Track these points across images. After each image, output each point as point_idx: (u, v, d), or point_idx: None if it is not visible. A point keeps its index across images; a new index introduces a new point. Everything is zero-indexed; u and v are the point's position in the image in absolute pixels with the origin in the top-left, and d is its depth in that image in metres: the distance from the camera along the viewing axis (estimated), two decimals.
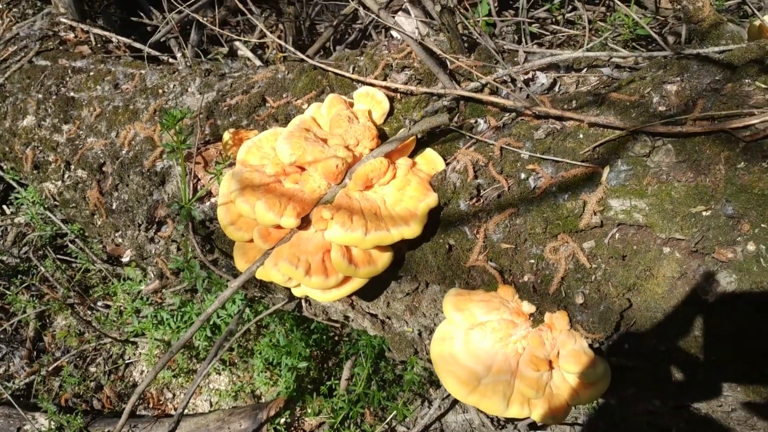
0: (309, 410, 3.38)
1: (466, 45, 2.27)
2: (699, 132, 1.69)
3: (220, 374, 3.64)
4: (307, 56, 2.40)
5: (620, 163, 1.79)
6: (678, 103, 1.83)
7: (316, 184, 2.06)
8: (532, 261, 1.87)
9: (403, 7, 4.15)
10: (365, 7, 4.56)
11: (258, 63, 4.30)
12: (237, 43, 4.63)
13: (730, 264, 1.59)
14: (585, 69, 2.20)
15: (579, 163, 1.83)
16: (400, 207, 2.00)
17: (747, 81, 1.71)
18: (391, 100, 2.26)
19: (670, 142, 1.75)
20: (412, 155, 2.13)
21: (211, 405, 3.56)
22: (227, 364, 3.64)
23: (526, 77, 2.14)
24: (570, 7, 4.40)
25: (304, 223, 2.04)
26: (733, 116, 1.66)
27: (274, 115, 2.45)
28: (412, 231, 1.94)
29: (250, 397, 3.54)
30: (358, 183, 2.02)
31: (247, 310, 3.23)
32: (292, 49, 2.51)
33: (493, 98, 2.01)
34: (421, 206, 1.97)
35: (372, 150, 2.08)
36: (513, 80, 2.13)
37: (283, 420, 3.33)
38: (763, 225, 1.56)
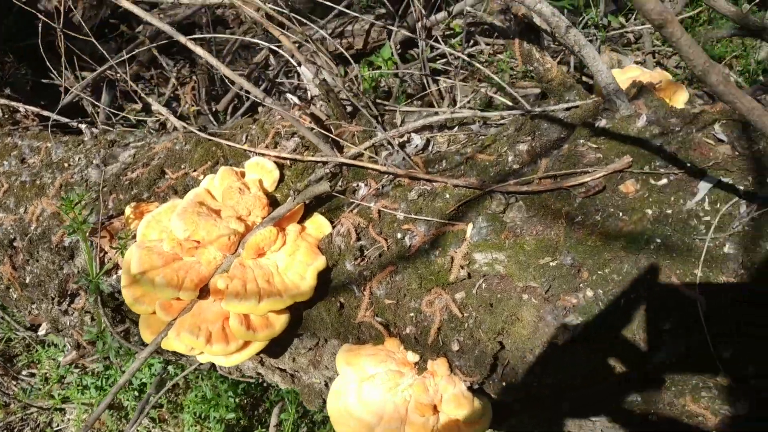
0: None
1: (349, 110, 2.44)
2: (543, 190, 1.89)
3: None
4: (203, 127, 2.53)
5: (481, 219, 1.97)
6: (529, 161, 2.04)
7: (211, 256, 2.18)
8: (412, 314, 2.03)
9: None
10: (274, 53, 4.73)
11: (173, 119, 4.40)
12: (150, 99, 4.71)
13: (575, 308, 1.78)
14: (456, 127, 2.40)
15: (446, 222, 2.01)
16: (292, 272, 2.13)
17: (581, 141, 1.93)
18: (282, 167, 2.40)
19: (522, 199, 1.95)
20: (302, 220, 2.28)
21: None
22: (157, 421, 3.68)
23: (401, 140, 2.32)
24: (472, 41, 4.66)
25: (204, 292, 2.15)
26: (570, 175, 1.87)
27: (174, 187, 2.56)
28: (303, 294, 2.08)
29: None
30: (250, 252, 2.15)
31: (170, 368, 3.29)
32: (180, 124, 2.63)
33: (369, 165, 2.18)
34: (310, 270, 2.11)
35: (264, 218, 2.22)
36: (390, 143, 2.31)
37: None
38: (599, 272, 1.77)
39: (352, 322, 2.14)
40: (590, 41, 4.43)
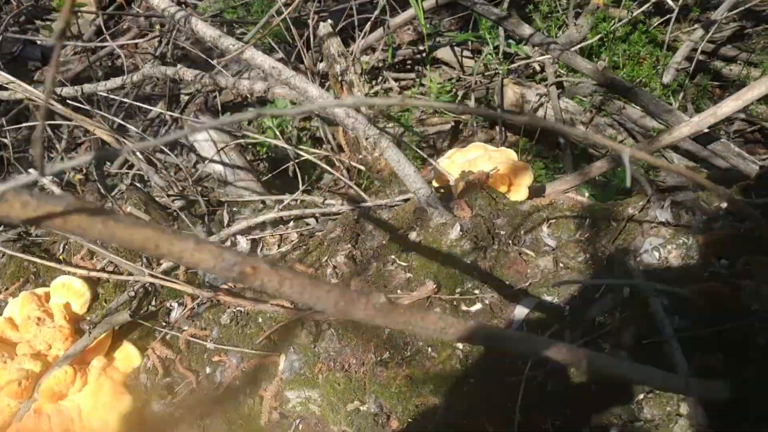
0: None
1: (170, 211, 2.17)
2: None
3: None
4: (21, 234, 2.24)
5: (293, 351, 1.71)
6: (348, 273, 1.78)
7: (5, 403, 1.89)
8: None
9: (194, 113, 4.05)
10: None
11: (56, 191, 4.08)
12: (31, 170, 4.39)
13: None
14: (291, 222, 2.14)
15: (257, 353, 1.75)
16: (95, 417, 1.86)
17: (392, 257, 1.68)
18: (97, 281, 2.12)
19: (334, 326, 1.69)
20: (112, 349, 2.00)
21: None
22: None
23: (225, 245, 2.05)
24: (381, 78, 4.40)
25: None
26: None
27: None
28: None
29: None
30: (46, 398, 1.86)
31: None
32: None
33: (178, 285, 1.91)
34: (113, 416, 1.83)
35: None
36: None
37: None
38: (409, 420, 1.51)
39: None
40: (495, 73, 4.22)
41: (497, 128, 4.17)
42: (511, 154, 1.99)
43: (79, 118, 2.14)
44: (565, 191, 2.09)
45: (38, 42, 4.53)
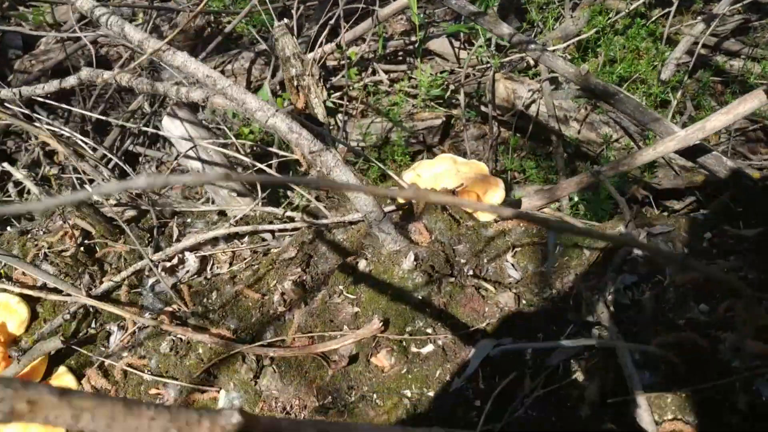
0: None
1: (132, 213, 2.02)
2: (291, 356, 1.48)
3: None
4: None
5: (233, 386, 1.56)
6: (297, 300, 1.62)
7: None
8: None
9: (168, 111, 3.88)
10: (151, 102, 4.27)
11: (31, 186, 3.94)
12: (6, 164, 4.24)
13: None
14: (247, 237, 1.98)
15: (195, 387, 1.60)
16: None
17: (340, 288, 1.52)
18: (37, 300, 1.97)
19: (276, 361, 1.54)
20: (47, 376, 1.85)
21: None
22: None
23: (172, 263, 1.90)
24: (371, 70, 4.21)
25: None
26: (323, 338, 1.46)
27: None
28: None
29: None
30: None
31: None
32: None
33: (116, 309, 1.76)
34: None
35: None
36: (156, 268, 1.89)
37: None
38: None
39: None
40: (487, 67, 4.02)
41: (490, 124, 3.99)
42: (482, 168, 1.82)
43: (17, 122, 1.98)
44: (540, 208, 1.93)
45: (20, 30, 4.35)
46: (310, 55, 3.36)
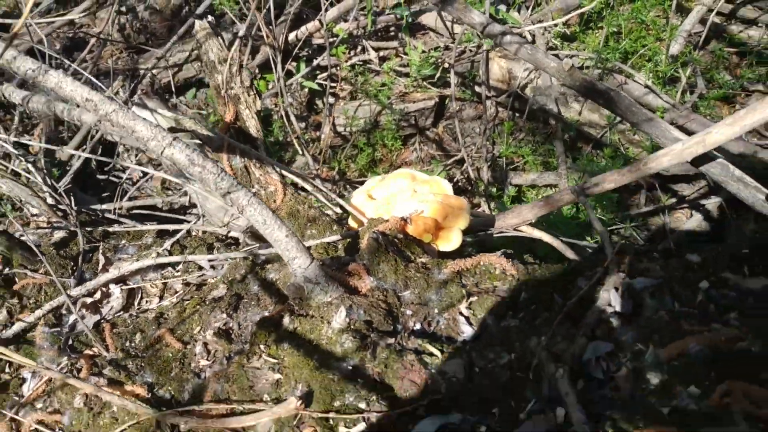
0: None
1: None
2: (201, 429, 1.25)
3: None
4: None
5: None
6: (221, 355, 1.39)
7: None
8: None
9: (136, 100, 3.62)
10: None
11: None
12: None
13: None
14: (180, 266, 1.74)
15: None
16: None
17: (261, 348, 1.27)
18: None
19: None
20: None
21: None
22: None
23: (95, 299, 1.67)
24: (360, 47, 3.90)
25: None
26: (238, 413, 1.22)
27: None
28: None
29: None
30: None
31: None
32: None
33: (18, 359, 1.53)
34: None
35: None
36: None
37: None
38: None
39: None
40: (480, 44, 3.69)
41: (484, 105, 3.67)
42: (443, 186, 1.56)
43: None
44: (515, 226, 1.66)
45: None
46: (231, 52, 3.08)
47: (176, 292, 1.69)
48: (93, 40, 3.33)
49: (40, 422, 1.51)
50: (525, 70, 3.49)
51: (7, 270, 1.80)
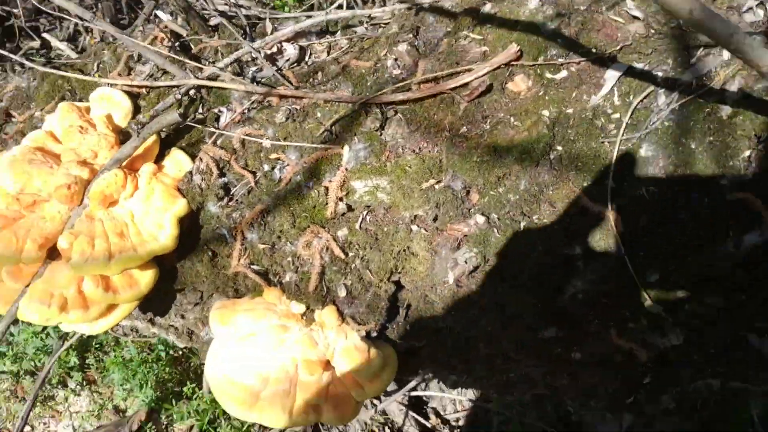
0: (175, 416, 3.23)
1: (210, 24, 2.04)
2: (421, 97, 1.54)
3: (79, 395, 3.44)
4: (50, 60, 2.12)
5: (357, 140, 1.63)
6: (411, 63, 1.67)
7: (55, 210, 1.84)
8: (290, 259, 1.72)
9: None
10: None
11: (73, 54, 3.91)
12: (47, 35, 4.18)
13: (467, 239, 1.47)
14: (339, 32, 2.01)
15: (318, 146, 1.66)
16: (149, 221, 1.80)
17: (464, 33, 1.56)
18: (137, 96, 2.02)
19: (401, 111, 1.60)
20: (160, 157, 1.92)
21: (74, 430, 3.37)
22: (85, 383, 3.43)
23: (271, 52, 1.93)
24: None
25: (57, 252, 1.82)
26: (452, 75, 1.51)
27: (23, 131, 2.17)
28: (162, 246, 1.76)
29: (113, 413, 3.36)
30: (97, 202, 1.80)
31: None
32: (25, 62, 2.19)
33: (226, 83, 1.80)
34: (168, 217, 1.78)
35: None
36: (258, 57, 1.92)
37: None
38: (491, 192, 1.45)
39: (226, 273, 1.83)
40: None
41: None
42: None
43: None
44: None
45: None
46: None
47: (342, 48, 1.95)
48: None
49: (247, 134, 1.78)
50: None
51: (185, 34, 2.05)
